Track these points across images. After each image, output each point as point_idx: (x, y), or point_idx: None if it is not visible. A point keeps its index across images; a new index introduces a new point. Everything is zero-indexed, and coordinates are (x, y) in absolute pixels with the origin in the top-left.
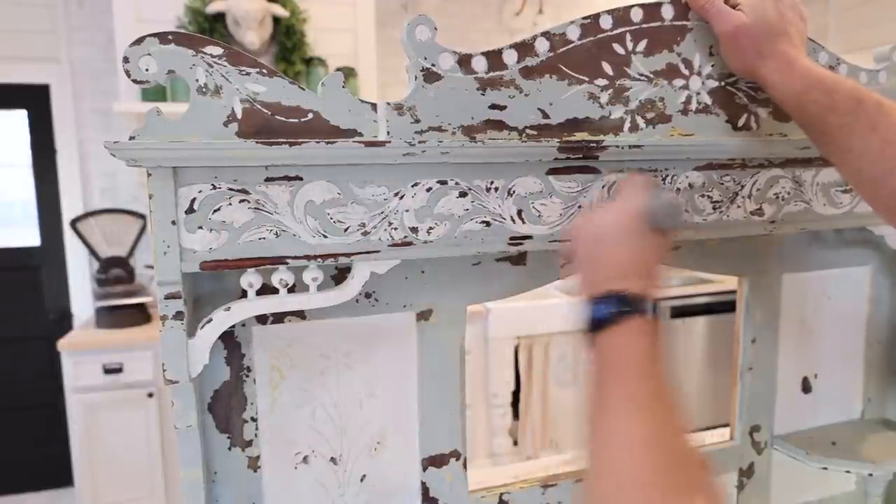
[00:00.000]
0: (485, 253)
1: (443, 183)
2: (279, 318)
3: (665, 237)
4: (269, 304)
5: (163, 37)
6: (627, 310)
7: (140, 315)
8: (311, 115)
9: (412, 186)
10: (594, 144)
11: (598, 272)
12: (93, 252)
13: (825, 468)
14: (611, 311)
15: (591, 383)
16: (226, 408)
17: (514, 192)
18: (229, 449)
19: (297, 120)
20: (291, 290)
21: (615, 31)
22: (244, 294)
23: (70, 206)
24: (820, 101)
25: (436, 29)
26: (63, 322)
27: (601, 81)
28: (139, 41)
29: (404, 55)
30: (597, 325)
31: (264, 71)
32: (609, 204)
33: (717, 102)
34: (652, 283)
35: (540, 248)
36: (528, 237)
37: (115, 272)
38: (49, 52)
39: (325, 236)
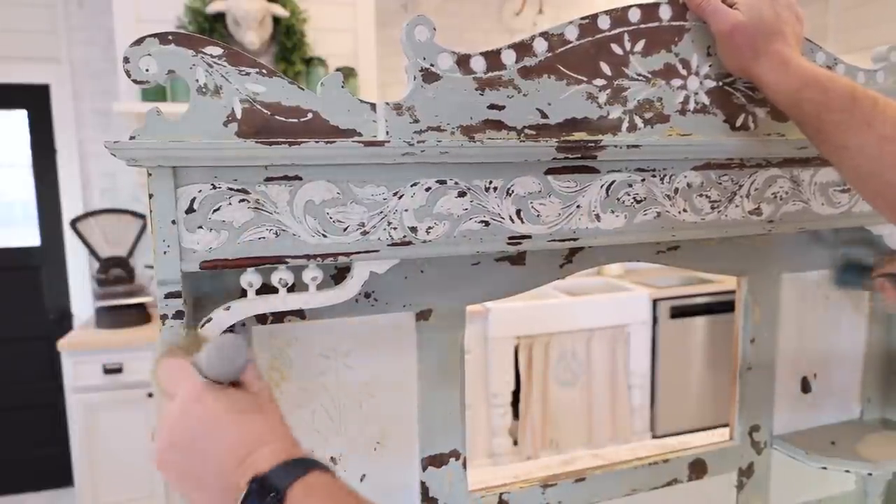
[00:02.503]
0: (484, 253)
1: (442, 183)
2: (279, 317)
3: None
4: (269, 304)
5: (163, 37)
6: (276, 493)
7: (140, 315)
8: (310, 115)
9: (411, 186)
10: (592, 144)
11: (208, 480)
12: (93, 252)
13: (825, 468)
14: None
15: None
16: None
17: (512, 191)
18: None
19: (296, 120)
20: (291, 289)
21: (613, 32)
22: (244, 294)
23: (70, 206)
24: (815, 99)
25: (435, 29)
26: (63, 322)
27: (599, 81)
28: (139, 41)
29: (404, 55)
30: None
31: (264, 71)
32: (162, 408)
33: (714, 102)
34: (279, 435)
35: (539, 247)
36: (527, 237)
37: (115, 272)
38: (49, 52)
39: (324, 236)
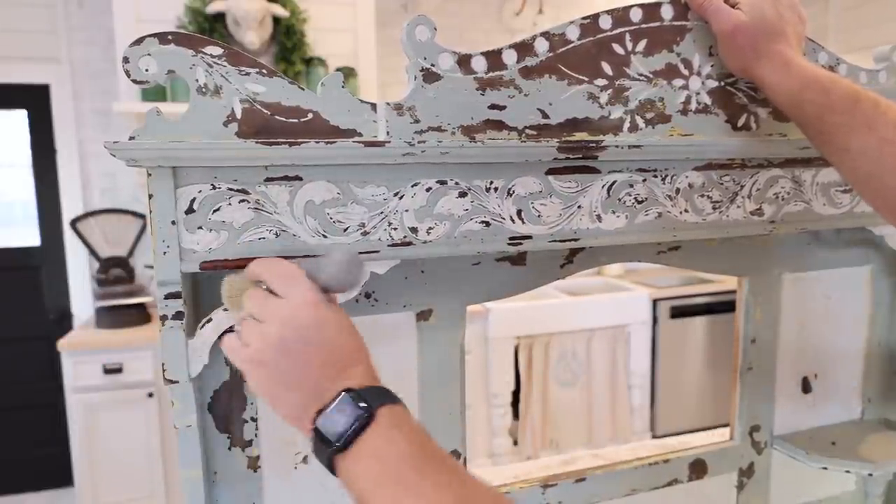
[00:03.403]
0: (484, 253)
1: (442, 183)
2: None
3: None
4: None
5: (163, 37)
6: (368, 406)
7: (140, 315)
8: (310, 115)
9: (412, 186)
10: (594, 144)
11: (304, 382)
12: (93, 252)
13: (825, 468)
14: (354, 418)
15: None
16: (226, 408)
17: (513, 192)
18: (229, 449)
19: (296, 120)
20: None
21: (614, 32)
22: None
23: (70, 206)
24: (817, 101)
25: (435, 29)
26: (63, 322)
27: (601, 81)
28: (139, 41)
29: (404, 55)
30: (340, 442)
31: (264, 71)
32: (268, 305)
33: (716, 102)
34: (369, 361)
35: (539, 248)
36: (528, 237)
37: (115, 272)
38: (49, 52)
39: (324, 236)
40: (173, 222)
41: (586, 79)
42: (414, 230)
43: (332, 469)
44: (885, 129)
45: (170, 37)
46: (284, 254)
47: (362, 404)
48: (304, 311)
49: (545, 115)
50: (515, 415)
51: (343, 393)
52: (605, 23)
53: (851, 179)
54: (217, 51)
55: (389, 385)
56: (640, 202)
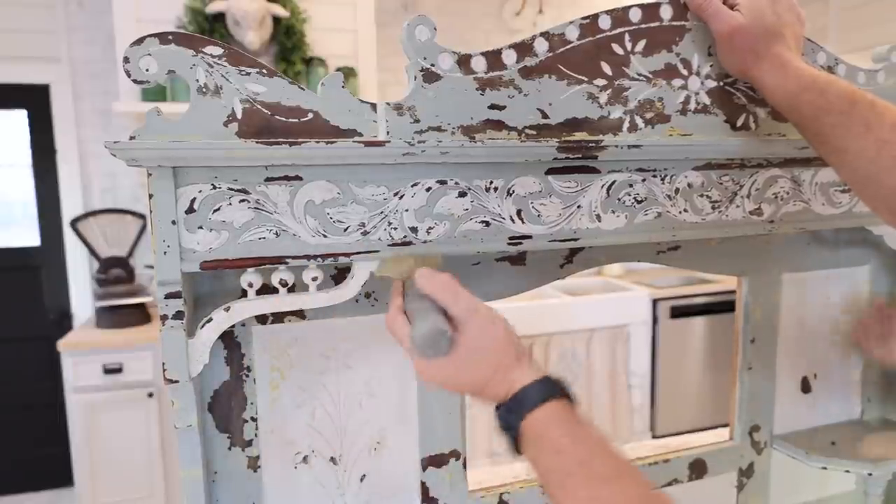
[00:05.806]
0: (484, 253)
1: (442, 183)
2: (279, 318)
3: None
4: (269, 304)
5: (163, 37)
6: (559, 385)
7: (140, 315)
8: (310, 115)
9: (412, 186)
10: (593, 144)
11: (497, 354)
12: (93, 252)
13: (825, 468)
14: (549, 392)
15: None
16: (226, 408)
17: (513, 191)
18: (229, 449)
19: (296, 120)
20: (291, 289)
21: (614, 32)
22: (244, 294)
23: (70, 206)
24: (814, 102)
25: (435, 29)
26: (63, 322)
27: (600, 81)
28: (139, 41)
29: (404, 55)
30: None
31: (264, 71)
32: (462, 293)
33: (715, 102)
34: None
35: (539, 247)
36: (528, 237)
37: (115, 272)
38: (49, 52)
39: (324, 236)
40: (174, 222)
41: (586, 79)
42: (414, 230)
43: (516, 425)
44: (881, 129)
45: (170, 37)
46: (284, 254)
47: (557, 386)
48: (488, 328)
49: (545, 115)
50: None
51: (545, 377)
52: (605, 23)
53: (849, 180)
54: (217, 51)
55: (388, 383)
56: (639, 202)
